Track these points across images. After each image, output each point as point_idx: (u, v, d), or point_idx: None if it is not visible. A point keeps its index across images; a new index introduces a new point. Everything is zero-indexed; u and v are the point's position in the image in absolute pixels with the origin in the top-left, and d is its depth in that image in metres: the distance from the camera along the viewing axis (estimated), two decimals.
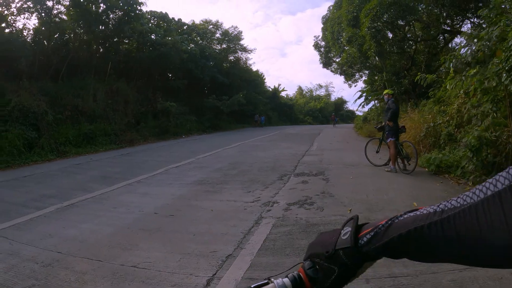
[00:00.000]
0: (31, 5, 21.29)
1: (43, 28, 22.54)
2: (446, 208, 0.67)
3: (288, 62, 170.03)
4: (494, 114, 8.33)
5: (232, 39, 49.23)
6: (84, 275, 3.92)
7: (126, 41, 30.81)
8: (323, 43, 39.40)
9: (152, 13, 36.22)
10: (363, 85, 37.68)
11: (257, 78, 57.33)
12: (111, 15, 26.11)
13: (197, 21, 47.56)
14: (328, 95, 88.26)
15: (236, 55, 51.22)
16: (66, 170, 12.23)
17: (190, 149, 18.47)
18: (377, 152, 11.86)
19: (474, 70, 9.94)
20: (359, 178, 9.45)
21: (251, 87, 51.12)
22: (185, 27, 42.53)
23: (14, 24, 21.02)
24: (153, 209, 6.63)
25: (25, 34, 21.80)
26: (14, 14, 20.69)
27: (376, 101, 32.69)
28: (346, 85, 58.51)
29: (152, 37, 31.46)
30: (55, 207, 6.95)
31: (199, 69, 38.05)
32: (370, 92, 32.23)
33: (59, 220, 6.13)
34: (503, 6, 9.83)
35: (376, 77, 30.03)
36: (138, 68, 31.21)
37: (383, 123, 10.95)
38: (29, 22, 23.28)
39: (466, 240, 0.61)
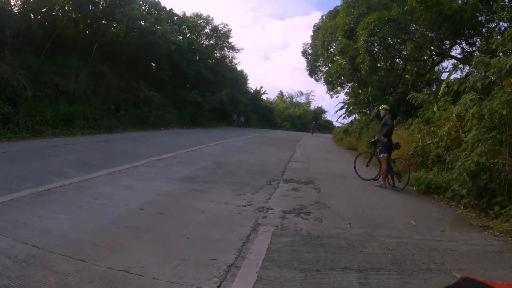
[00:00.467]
0: None
1: (31, 0, 21.50)
2: None
3: (271, 66, 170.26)
4: (488, 141, 8.27)
5: (221, 36, 48.65)
6: (67, 277, 3.37)
7: (115, 25, 29.85)
8: (311, 51, 39.45)
9: (144, 0, 35.37)
10: (345, 97, 37.96)
11: (240, 78, 57.13)
12: None
13: (188, 14, 46.88)
14: (308, 103, 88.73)
15: (223, 52, 50.69)
16: (42, 152, 11.51)
17: (172, 143, 18.08)
18: (367, 166, 11.86)
19: (471, 96, 9.89)
20: (351, 191, 9.40)
21: (234, 86, 50.72)
22: (175, 18, 41.63)
23: None
24: (138, 204, 6.12)
25: (12, 3, 20.74)
26: None
27: (357, 115, 32.89)
28: (328, 95, 59.15)
29: (142, 24, 30.54)
30: (30, 191, 6.33)
31: (185, 62, 37.42)
32: (353, 105, 32.34)
33: (34, 207, 5.52)
34: None
35: (361, 91, 30.13)
36: (124, 54, 30.35)
37: (376, 138, 10.76)
38: None
39: None
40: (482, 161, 7.74)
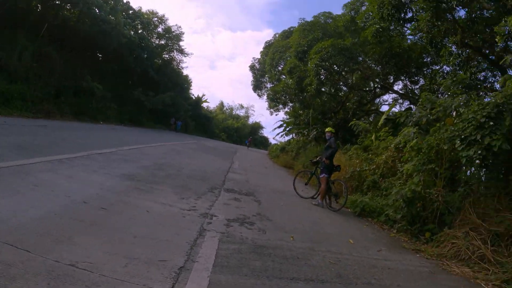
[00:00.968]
0: None
1: None
2: None
3: (216, 75, 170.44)
4: (425, 172, 8.87)
5: (173, 37, 48.26)
6: (10, 267, 3.13)
7: (69, 7, 28.71)
8: (259, 66, 39.98)
9: None
10: (285, 116, 38.68)
11: (184, 83, 56.64)
12: None
13: (144, 9, 45.97)
14: (247, 117, 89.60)
15: (172, 54, 50.29)
16: None
17: (112, 138, 17.62)
18: (306, 184, 12.18)
19: (413, 130, 10.51)
20: (290, 206, 9.68)
21: (178, 90, 50.24)
22: (130, 12, 40.66)
23: None
24: (81, 197, 5.84)
25: None
26: None
27: (294, 135, 33.58)
28: (268, 111, 60.36)
29: (97, 11, 29.41)
30: None
31: (133, 58, 36.67)
32: (292, 125, 32.97)
33: None
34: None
35: (302, 112, 30.82)
36: (73, 39, 28.95)
37: (318, 158, 11.10)
38: None
39: None
40: (418, 190, 8.28)
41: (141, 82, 41.04)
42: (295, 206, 9.83)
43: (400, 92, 24.90)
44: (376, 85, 25.76)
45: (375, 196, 11.22)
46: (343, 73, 23.37)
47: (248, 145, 53.05)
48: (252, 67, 42.18)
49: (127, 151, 13.39)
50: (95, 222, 4.85)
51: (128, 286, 3.30)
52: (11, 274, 3.04)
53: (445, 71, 18.08)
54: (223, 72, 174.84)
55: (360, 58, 22.67)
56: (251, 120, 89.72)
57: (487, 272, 5.86)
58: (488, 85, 14.99)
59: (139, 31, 42.70)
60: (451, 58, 15.23)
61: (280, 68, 33.50)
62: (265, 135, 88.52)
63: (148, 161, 11.88)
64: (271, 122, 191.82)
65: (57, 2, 26.69)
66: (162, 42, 48.32)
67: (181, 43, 49.83)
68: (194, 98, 62.26)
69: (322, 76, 21.85)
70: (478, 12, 14.74)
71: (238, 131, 78.29)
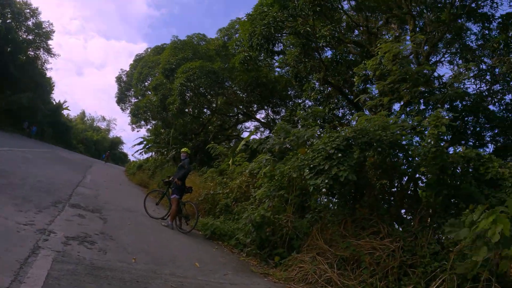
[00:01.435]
0: None
1: None
2: None
3: (82, 82, 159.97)
4: (276, 198, 9.29)
5: (42, 34, 44.04)
6: None
7: None
8: (126, 79, 38.70)
9: None
10: (146, 133, 37.90)
11: (47, 86, 51.68)
12: None
13: None
14: (108, 130, 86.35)
15: (38, 52, 45.66)
16: None
17: None
18: (157, 204, 11.84)
19: (266, 157, 10.98)
20: (138, 226, 9.24)
21: (38, 92, 45.67)
22: None
23: None
24: None
25: None
26: None
27: (154, 153, 33.00)
28: (130, 127, 58.11)
29: None
30: None
31: None
32: (152, 143, 32.40)
33: None
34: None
35: (163, 131, 30.51)
36: None
37: (171, 179, 10.92)
38: None
39: None
40: (267, 215, 8.54)
41: None
42: (143, 226, 9.41)
43: (262, 120, 26.10)
44: (239, 111, 26.62)
45: (227, 220, 11.42)
46: (208, 96, 23.69)
47: (105, 159, 50.45)
48: (119, 79, 40.54)
49: None
50: None
51: None
52: None
53: (307, 105, 19.47)
54: (89, 80, 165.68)
55: (227, 84, 23.27)
56: (112, 134, 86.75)
57: None
58: (346, 122, 16.51)
59: (8, 21, 38.25)
60: (313, 93, 16.52)
61: (147, 83, 32.77)
62: (125, 151, 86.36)
63: None
64: (132, 138, 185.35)
65: None
66: (30, 37, 43.77)
67: (50, 41, 45.92)
68: (55, 103, 56.75)
69: (187, 97, 21.89)
70: (344, 54, 16.31)
71: (98, 144, 74.59)
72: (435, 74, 14.89)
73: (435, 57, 18.10)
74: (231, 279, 6.29)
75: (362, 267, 6.78)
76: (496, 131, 15.85)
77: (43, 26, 44.28)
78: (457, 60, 17.55)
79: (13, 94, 37.21)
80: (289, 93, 23.49)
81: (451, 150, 9.31)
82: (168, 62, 23.99)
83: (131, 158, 53.81)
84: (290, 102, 23.49)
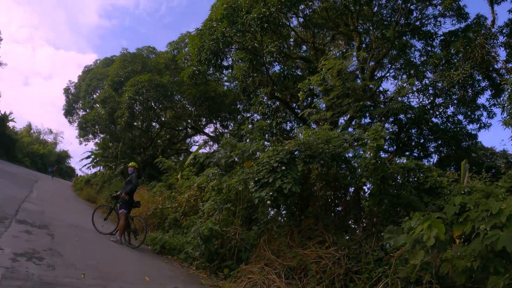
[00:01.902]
0: None
1: None
2: None
3: (28, 93, 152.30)
4: (223, 211, 9.41)
5: None
6: None
7: None
8: (74, 90, 37.60)
9: None
10: (94, 147, 36.95)
11: None
12: None
13: None
14: (55, 143, 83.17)
15: None
16: None
17: None
18: (105, 219, 11.60)
19: (213, 171, 11.12)
20: (86, 242, 9.06)
21: None
22: None
23: None
24: None
25: None
26: None
27: (101, 167, 32.27)
28: (77, 140, 56.23)
29: None
30: None
31: None
32: (100, 157, 31.70)
33: None
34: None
35: (111, 145, 29.95)
36: None
37: (118, 193, 10.80)
38: None
39: None
40: (215, 228, 8.62)
41: None
42: (91, 242, 9.25)
43: (211, 134, 26.20)
44: (188, 125, 26.58)
45: (176, 234, 11.42)
46: (156, 109, 23.54)
47: (52, 174, 48.48)
48: (66, 91, 39.18)
49: None
50: None
51: None
52: None
53: (255, 119, 19.76)
54: (36, 91, 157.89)
55: (176, 97, 23.24)
56: (58, 148, 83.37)
57: None
58: (293, 135, 16.90)
59: None
60: (261, 107, 16.81)
61: (95, 96, 32.00)
62: (72, 165, 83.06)
63: None
64: (79, 151, 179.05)
65: None
66: None
67: None
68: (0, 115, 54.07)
69: (135, 110, 21.68)
70: (292, 69, 16.74)
71: (44, 158, 71.25)
72: (380, 89, 15.66)
73: (380, 72, 19.00)
74: None
75: (309, 276, 7.02)
76: (439, 142, 16.79)
77: None
78: (402, 75, 18.53)
79: None
80: (237, 107, 23.76)
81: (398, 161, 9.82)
82: (117, 75, 23.67)
83: (79, 173, 52.07)
84: (239, 116, 23.75)
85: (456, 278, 5.48)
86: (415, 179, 8.56)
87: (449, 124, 17.49)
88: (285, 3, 13.63)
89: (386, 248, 7.12)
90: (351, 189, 9.31)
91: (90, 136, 36.17)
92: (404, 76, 17.93)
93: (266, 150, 9.19)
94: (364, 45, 16.56)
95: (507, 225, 4.87)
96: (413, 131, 16.99)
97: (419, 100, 17.36)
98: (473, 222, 5.34)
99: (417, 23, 16.47)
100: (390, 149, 16.90)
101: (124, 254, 8.89)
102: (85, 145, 64.45)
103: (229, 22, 14.65)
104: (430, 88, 16.57)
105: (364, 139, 8.49)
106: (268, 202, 7.72)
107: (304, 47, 19.72)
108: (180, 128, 27.92)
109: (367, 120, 15.38)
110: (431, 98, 17.07)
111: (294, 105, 17.54)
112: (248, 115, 22.10)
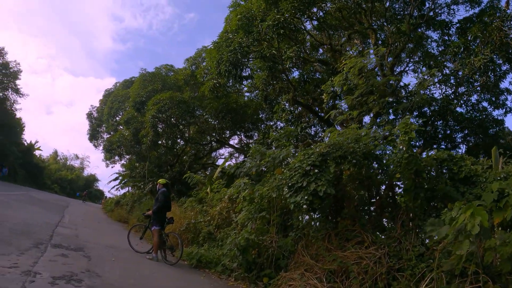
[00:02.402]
0: None
1: None
2: None
3: (52, 121, 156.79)
4: (257, 220, 9.34)
5: (9, 74, 43.30)
6: None
7: None
8: (97, 115, 38.33)
9: None
10: (121, 169, 37.43)
11: (16, 127, 50.59)
12: None
13: None
14: (82, 168, 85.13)
15: (6, 93, 44.80)
16: None
17: None
18: (141, 238, 11.72)
19: (244, 180, 11.07)
20: (123, 262, 9.06)
21: (8, 134, 44.73)
22: None
23: None
24: None
25: None
26: None
27: (130, 188, 32.61)
28: (104, 163, 57.15)
29: None
30: None
31: None
32: (128, 177, 32.05)
33: None
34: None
35: (138, 164, 30.26)
36: None
37: (149, 212, 10.87)
38: None
39: None
40: (251, 238, 8.57)
41: None
42: (128, 261, 9.30)
43: (236, 146, 26.24)
44: (212, 139, 26.70)
45: (211, 247, 11.39)
46: (180, 126, 23.71)
47: (83, 198, 49.55)
48: (89, 115, 40.07)
49: None
50: None
51: None
52: None
53: (279, 127, 19.74)
54: (59, 119, 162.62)
55: (198, 112, 23.38)
56: (86, 172, 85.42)
57: None
58: (319, 139, 16.80)
59: None
60: (284, 114, 16.78)
61: (118, 118, 32.53)
62: (101, 188, 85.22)
63: None
64: (107, 174, 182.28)
65: None
66: None
67: (17, 81, 45.07)
68: (26, 144, 55.51)
69: (159, 128, 21.89)
70: (311, 73, 16.70)
71: (72, 183, 73.03)
72: (401, 83, 15.44)
73: (399, 67, 18.75)
74: None
75: (351, 277, 6.88)
76: (466, 132, 16.41)
77: (10, 66, 43.54)
78: (421, 68, 18.21)
79: None
80: (260, 116, 23.76)
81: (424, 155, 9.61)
82: (138, 95, 23.96)
83: (108, 195, 53.11)
84: (262, 125, 23.73)
85: (502, 266, 5.28)
86: (449, 170, 8.35)
87: (474, 112, 17.15)
88: (298, 7, 13.61)
89: (427, 242, 6.95)
90: (384, 187, 9.16)
91: (116, 158, 36.76)
92: (424, 69, 17.60)
93: (295, 155, 9.13)
94: (380, 42, 16.41)
95: None
96: (438, 123, 16.69)
97: (442, 91, 17.06)
98: None
99: (431, 13, 16.21)
100: (417, 143, 16.61)
101: (162, 271, 8.89)
102: (112, 167, 65.10)
103: (245, 32, 14.71)
104: (451, 77, 16.27)
105: (394, 134, 8.36)
106: (304, 206, 7.63)
107: (321, 50, 19.66)
108: (205, 142, 28.05)
109: (391, 116, 15.18)
110: (453, 88, 16.74)
111: (317, 108, 17.45)
112: (271, 123, 22.08)
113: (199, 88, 22.30)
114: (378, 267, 6.81)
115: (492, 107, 16.91)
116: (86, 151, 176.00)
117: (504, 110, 16.84)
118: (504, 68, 15.18)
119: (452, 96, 16.59)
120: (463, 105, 17.07)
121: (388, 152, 8.92)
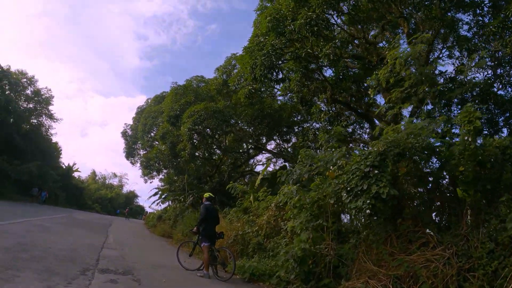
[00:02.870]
0: None
1: None
2: None
3: (87, 143, 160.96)
4: (311, 228, 8.79)
5: (42, 101, 44.56)
6: None
7: None
8: (131, 132, 38.92)
9: None
10: (160, 183, 37.70)
11: (53, 151, 52.44)
12: None
13: (13, 69, 41.26)
14: (121, 186, 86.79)
15: (40, 119, 46.30)
16: None
17: None
18: (190, 255, 11.32)
19: (295, 187, 10.52)
20: (174, 282, 8.77)
21: (46, 158, 45.92)
22: None
23: None
24: None
25: None
26: None
27: (170, 202, 32.68)
28: (142, 179, 57.96)
29: None
30: None
31: None
32: (167, 192, 32.16)
33: None
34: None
35: (177, 178, 30.30)
36: None
37: (195, 228, 10.62)
38: None
39: None
40: (307, 247, 8.08)
41: (5, 149, 36.79)
42: (179, 281, 9.00)
43: (273, 151, 25.86)
44: (249, 146, 26.43)
45: (262, 258, 11.01)
46: (216, 136, 23.49)
47: (126, 216, 50.69)
48: (124, 134, 40.83)
49: None
50: None
51: None
52: None
53: (315, 128, 19.19)
54: (95, 139, 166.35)
55: (233, 121, 23.12)
56: (125, 189, 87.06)
57: None
58: (357, 137, 16.17)
59: (7, 92, 38.65)
60: (322, 114, 16.23)
61: (152, 134, 32.83)
62: (141, 203, 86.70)
63: (9, 241, 9.92)
64: (146, 190, 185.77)
65: None
66: (31, 105, 44.24)
67: (50, 107, 46.29)
68: (64, 167, 57.29)
69: (195, 140, 21.71)
70: (345, 70, 16.11)
71: (112, 201, 75.02)
72: (441, 70, 14.62)
73: (433, 55, 17.88)
74: None
75: (420, 282, 6.39)
76: (507, 115, 15.45)
77: (42, 92, 44.62)
78: (456, 52, 17.29)
79: (22, 164, 37.28)
80: (295, 119, 23.32)
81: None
82: (172, 109, 23.85)
83: (148, 210, 53.85)
84: (299, 128, 23.29)
85: None
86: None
87: None
88: (329, 1, 13.11)
89: (497, 238, 6.28)
90: (444, 182, 8.51)
91: (154, 173, 37.11)
92: (458, 54, 16.66)
93: (349, 156, 8.60)
94: (411, 31, 15.64)
95: None
96: (481, 108, 15.74)
97: (482, 74, 16.06)
98: None
99: None
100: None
101: None
102: (150, 182, 66.18)
103: (277, 34, 14.26)
104: (488, 59, 15.26)
105: (454, 124, 7.72)
106: (368, 211, 7.04)
107: (350, 46, 19.01)
108: (242, 150, 27.84)
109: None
110: (493, 70, 15.71)
111: (354, 106, 16.84)
112: (307, 125, 21.60)
113: (231, 97, 22.05)
114: (448, 269, 6.29)
115: None
116: (123, 169, 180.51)
117: None
118: None
119: (493, 79, 15.61)
120: (503, 87, 16.06)
121: (448, 143, 8.20)
